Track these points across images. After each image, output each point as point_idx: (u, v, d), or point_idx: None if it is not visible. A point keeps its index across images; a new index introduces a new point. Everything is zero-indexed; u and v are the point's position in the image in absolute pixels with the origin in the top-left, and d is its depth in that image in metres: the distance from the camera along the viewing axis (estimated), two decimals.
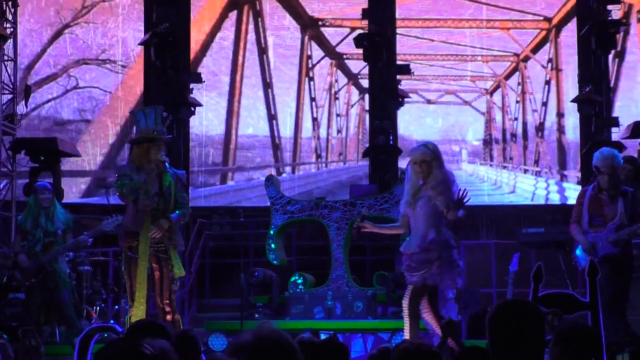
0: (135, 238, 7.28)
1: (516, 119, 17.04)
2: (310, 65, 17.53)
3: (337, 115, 17.68)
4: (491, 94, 17.26)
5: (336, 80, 17.77)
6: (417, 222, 6.87)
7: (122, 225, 7.49)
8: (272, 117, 16.84)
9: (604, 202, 7.76)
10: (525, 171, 16.77)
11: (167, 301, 7.27)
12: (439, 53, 17.44)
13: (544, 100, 16.47)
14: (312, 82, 17.62)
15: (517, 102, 16.99)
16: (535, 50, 16.67)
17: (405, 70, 12.84)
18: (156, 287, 7.32)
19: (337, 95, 17.69)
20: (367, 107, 16.78)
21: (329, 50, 17.30)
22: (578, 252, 7.88)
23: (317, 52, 17.47)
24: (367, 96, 16.78)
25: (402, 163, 11.38)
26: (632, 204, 7.79)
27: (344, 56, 17.49)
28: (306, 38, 17.47)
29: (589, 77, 12.44)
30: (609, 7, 12.38)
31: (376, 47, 12.61)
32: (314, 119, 17.50)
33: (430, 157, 6.82)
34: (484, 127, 17.13)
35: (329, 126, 17.70)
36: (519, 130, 16.86)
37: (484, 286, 10.40)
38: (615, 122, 12.50)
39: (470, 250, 10.93)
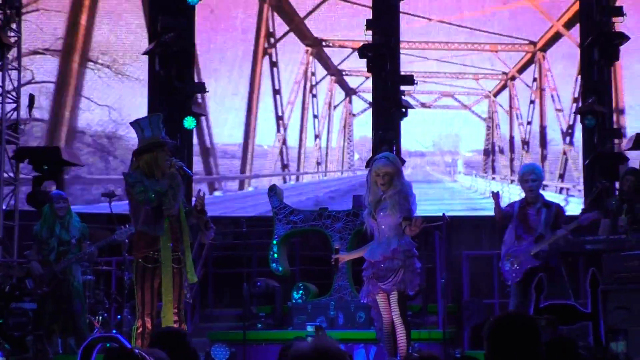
0: (150, 248, 7.24)
1: (529, 122, 14.40)
2: (272, 42, 13.83)
3: (315, 116, 14.32)
4: (496, 94, 14.56)
5: (313, 73, 14.30)
6: (380, 232, 7.20)
7: (138, 232, 7.39)
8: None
9: (529, 214, 8.09)
10: (545, 187, 13.77)
11: (176, 310, 7.27)
12: (437, 40, 14.45)
13: (575, 95, 13.82)
14: (275, 69, 13.89)
15: (532, 102, 14.37)
16: (569, 25, 13.66)
17: (409, 80, 12.85)
18: (155, 301, 7.31)
19: (314, 91, 14.29)
20: (353, 111, 14.51)
21: (302, 34, 13.70)
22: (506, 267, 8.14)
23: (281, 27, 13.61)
24: (355, 98, 14.38)
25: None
26: (556, 216, 8.04)
27: (323, 43, 14.19)
28: (265, 6, 13.69)
29: (593, 88, 12.45)
30: (613, 19, 12.42)
31: (380, 58, 12.63)
32: (279, 118, 14.06)
33: (392, 168, 7.14)
34: (485, 134, 14.60)
35: (302, 129, 14.20)
36: (534, 137, 14.29)
37: (487, 297, 10.39)
38: (619, 134, 12.49)
39: (473, 261, 10.92)
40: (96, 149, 14.71)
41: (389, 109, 12.71)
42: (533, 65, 14.26)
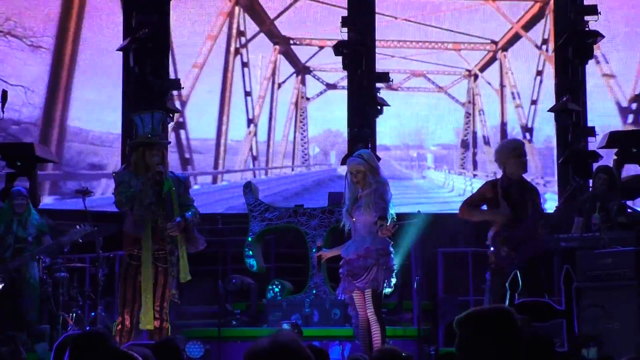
0: (135, 246, 7.23)
1: (535, 102, 11.49)
2: None
3: (247, 93, 11.16)
4: (483, 69, 11.81)
5: (241, 32, 10.74)
6: (356, 230, 7.28)
7: (123, 231, 7.41)
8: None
9: (515, 195, 7.46)
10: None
11: (158, 308, 7.27)
12: None
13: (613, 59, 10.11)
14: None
15: (539, 73, 11.42)
16: None
17: (385, 78, 12.86)
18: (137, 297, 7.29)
19: (244, 57, 10.98)
20: (308, 94, 12.02)
21: None
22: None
23: None
24: (309, 78, 11.72)
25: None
26: (537, 198, 7.59)
27: None
28: None
29: (566, 87, 12.54)
30: (586, 17, 12.51)
31: (356, 55, 12.64)
32: (172, 85, 9.95)
33: (364, 166, 7.19)
34: (463, 122, 12.09)
35: (222, 110, 10.78)
36: (543, 122, 11.08)
37: (462, 294, 10.43)
38: (592, 132, 12.58)
39: (448, 259, 10.95)
40: (5, 139, 12.43)
41: (364, 107, 12.72)
42: (543, 21, 10.77)
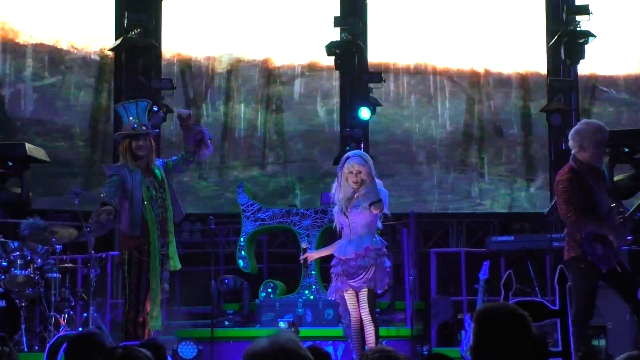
0: (144, 242, 7.10)
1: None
2: None
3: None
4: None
5: None
6: (352, 230, 7.21)
7: (121, 231, 7.28)
8: None
9: (594, 186, 6.58)
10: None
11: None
12: None
13: None
14: None
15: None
16: None
17: (377, 78, 12.86)
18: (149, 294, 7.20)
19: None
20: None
21: None
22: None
23: None
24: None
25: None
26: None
27: None
28: None
29: (559, 87, 12.58)
30: (578, 17, 12.55)
31: (348, 55, 12.66)
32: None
33: (365, 167, 7.16)
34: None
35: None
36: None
37: (454, 294, 10.44)
38: None
39: (441, 258, 10.96)
40: None
41: (356, 107, 12.72)
42: None
